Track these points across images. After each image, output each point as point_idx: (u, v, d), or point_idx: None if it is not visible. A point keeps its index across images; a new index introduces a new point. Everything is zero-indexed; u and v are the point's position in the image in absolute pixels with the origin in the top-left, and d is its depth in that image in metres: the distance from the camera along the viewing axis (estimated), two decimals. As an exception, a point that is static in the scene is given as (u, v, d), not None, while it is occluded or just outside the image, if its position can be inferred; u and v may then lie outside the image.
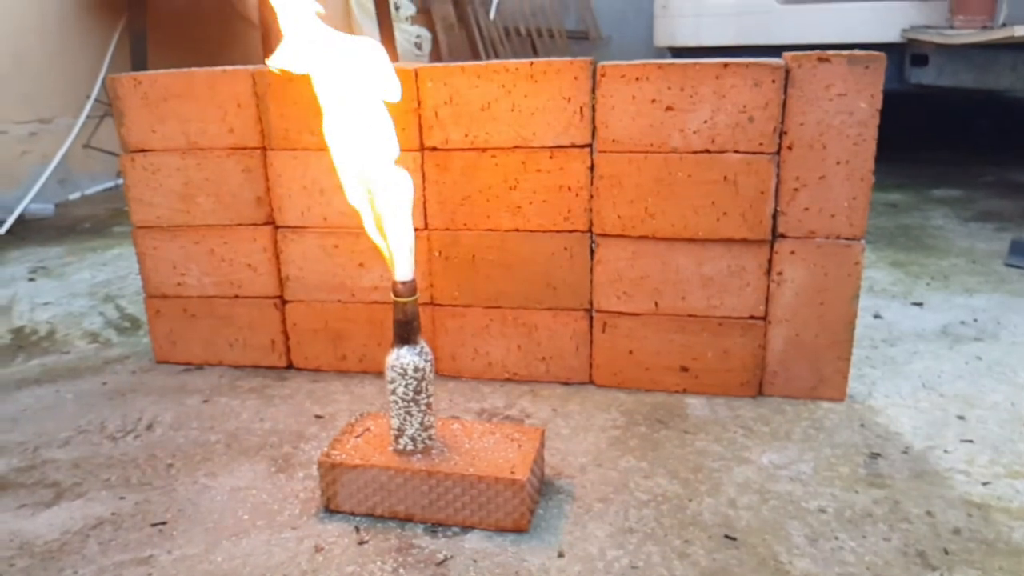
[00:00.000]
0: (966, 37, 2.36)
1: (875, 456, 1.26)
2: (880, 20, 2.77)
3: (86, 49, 3.54)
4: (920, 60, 2.77)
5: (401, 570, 1.03)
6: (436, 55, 5.91)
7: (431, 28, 5.75)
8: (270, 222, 1.56)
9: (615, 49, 6.46)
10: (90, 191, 3.60)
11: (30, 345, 1.89)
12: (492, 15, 6.28)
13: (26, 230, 3.00)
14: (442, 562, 1.04)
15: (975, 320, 1.77)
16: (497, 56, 6.12)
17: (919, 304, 1.88)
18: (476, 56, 6.00)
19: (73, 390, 1.62)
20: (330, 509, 1.15)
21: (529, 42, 6.39)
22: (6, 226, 3.00)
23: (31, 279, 2.39)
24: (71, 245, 2.76)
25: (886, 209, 2.76)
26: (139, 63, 3.46)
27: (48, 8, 3.36)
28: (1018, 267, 2.07)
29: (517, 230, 1.44)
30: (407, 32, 5.18)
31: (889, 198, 2.90)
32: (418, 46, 5.33)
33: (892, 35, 2.77)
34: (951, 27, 2.60)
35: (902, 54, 2.82)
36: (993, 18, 2.49)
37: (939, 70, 2.63)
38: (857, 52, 1.25)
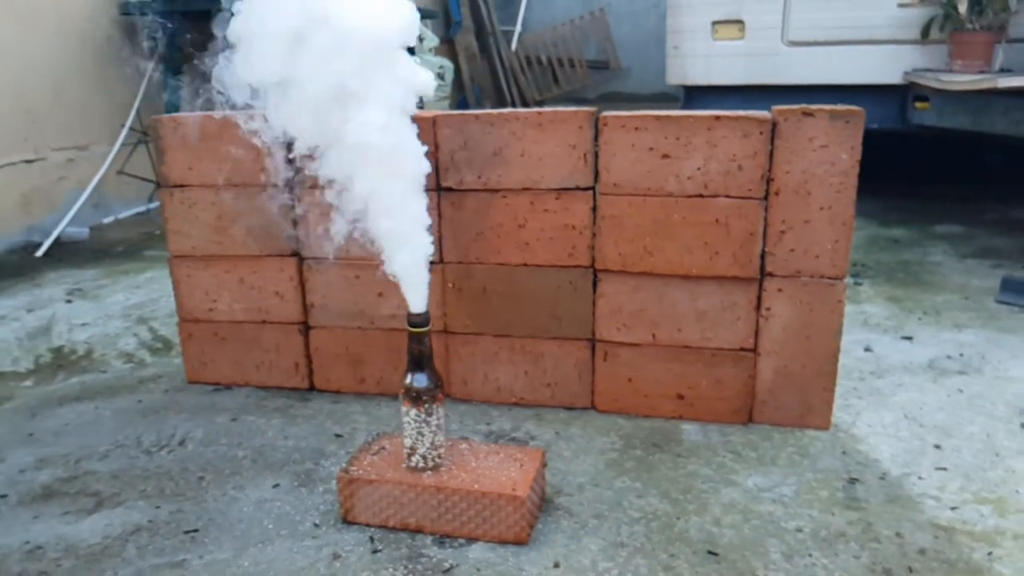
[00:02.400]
0: (958, 85, 2.47)
1: (853, 481, 1.35)
2: (884, 63, 2.88)
3: (122, 81, 3.72)
4: (922, 101, 2.87)
5: (411, 576, 1.14)
6: (459, 85, 6.09)
7: (454, 59, 5.93)
8: (296, 253, 1.69)
9: (635, 79, 6.55)
10: (123, 215, 3.77)
11: (69, 364, 2.02)
12: (514, 46, 6.47)
13: (62, 252, 3.16)
14: (448, 570, 1.15)
15: (961, 355, 1.86)
16: (518, 85, 6.27)
17: (909, 338, 1.97)
18: (498, 86, 6.17)
19: (111, 407, 1.74)
20: (347, 520, 1.26)
21: (550, 72, 6.54)
22: (44, 248, 3.16)
23: (68, 300, 2.53)
24: (106, 268, 2.91)
25: (888, 244, 2.85)
26: (173, 92, 3.65)
27: (87, 42, 3.55)
28: (1009, 304, 2.15)
29: (525, 264, 1.55)
30: (430, 63, 5.36)
31: (892, 233, 2.99)
32: (441, 76, 5.50)
33: (895, 77, 2.88)
34: (950, 71, 2.70)
35: (904, 95, 2.93)
36: (990, 64, 2.60)
37: (939, 112, 2.73)
38: (839, 107, 1.36)
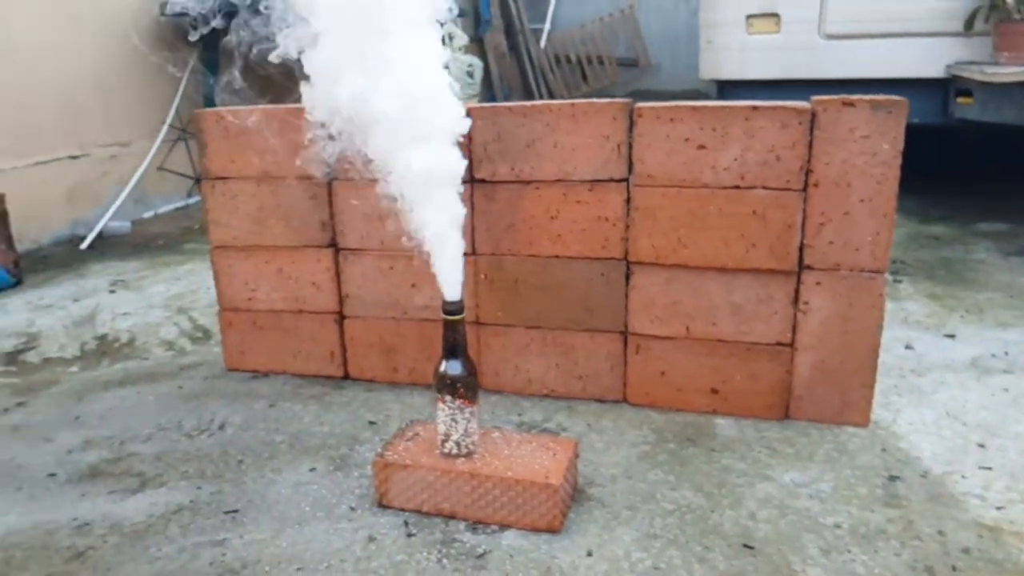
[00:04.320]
0: (1004, 77, 2.40)
1: (893, 479, 1.33)
2: (925, 56, 2.82)
3: (162, 79, 3.81)
4: (965, 95, 2.80)
5: (445, 560, 1.15)
6: (488, 83, 6.10)
7: (483, 57, 5.94)
8: (333, 245, 1.71)
9: (665, 76, 6.52)
10: (162, 210, 3.86)
11: (113, 351, 2.07)
12: (543, 44, 6.46)
13: (105, 246, 3.24)
14: (481, 555, 1.15)
15: (1006, 353, 1.81)
16: (547, 83, 6.27)
17: (951, 336, 1.92)
18: (527, 84, 6.17)
19: (153, 392, 1.79)
20: (382, 504, 1.27)
21: (579, 69, 6.53)
22: (87, 241, 3.24)
23: (112, 291, 2.60)
24: (147, 260, 2.98)
25: (928, 242, 2.79)
26: (210, 90, 3.72)
27: (129, 42, 3.63)
28: (1056, 302, 2.09)
29: (557, 256, 1.56)
30: (460, 61, 5.39)
31: (932, 231, 2.92)
32: (470, 75, 5.52)
33: (937, 71, 2.81)
34: (995, 63, 2.63)
35: (946, 89, 2.86)
36: (1037, 55, 2.53)
37: (983, 106, 2.66)
38: (880, 97, 1.34)
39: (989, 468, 1.35)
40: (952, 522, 1.21)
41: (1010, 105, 2.56)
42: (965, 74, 2.63)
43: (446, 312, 1.22)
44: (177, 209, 3.92)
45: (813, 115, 1.36)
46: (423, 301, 1.67)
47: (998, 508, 1.24)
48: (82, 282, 2.71)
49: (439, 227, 1.16)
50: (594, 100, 1.47)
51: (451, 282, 1.20)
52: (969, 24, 2.67)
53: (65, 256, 3.09)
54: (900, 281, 2.36)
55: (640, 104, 1.44)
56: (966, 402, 1.59)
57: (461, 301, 1.21)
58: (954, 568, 1.11)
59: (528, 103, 1.50)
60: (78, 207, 3.41)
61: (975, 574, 1.09)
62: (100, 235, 3.32)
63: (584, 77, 6.52)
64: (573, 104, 1.46)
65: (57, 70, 3.27)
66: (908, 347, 1.86)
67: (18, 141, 3.12)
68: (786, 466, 1.38)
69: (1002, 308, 2.11)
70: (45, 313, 2.38)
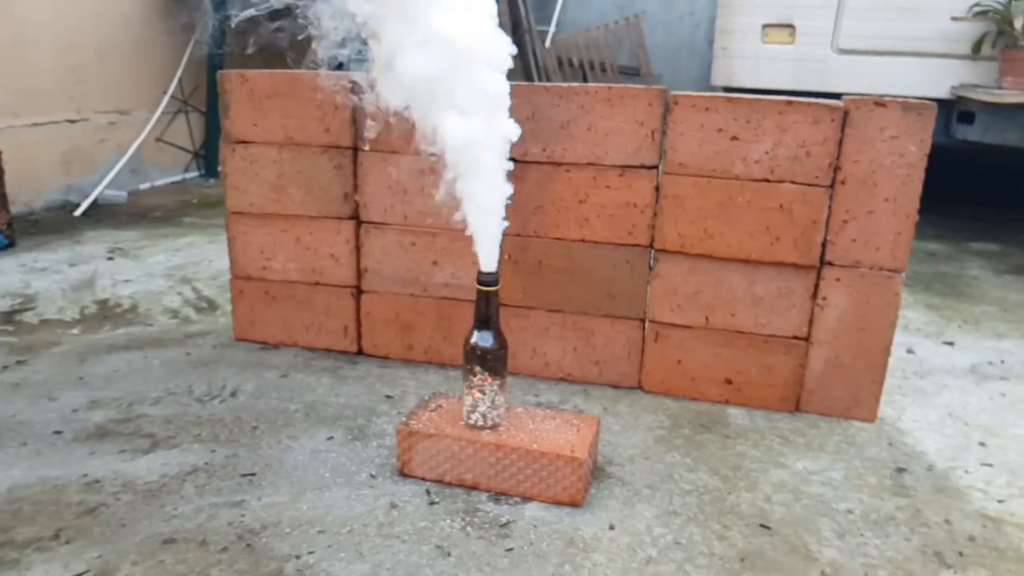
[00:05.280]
0: (1013, 97, 2.47)
1: (901, 470, 1.36)
2: (932, 76, 2.87)
3: (166, 48, 3.76)
4: (967, 117, 2.87)
5: (469, 528, 1.15)
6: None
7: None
8: (355, 217, 1.71)
9: (665, 86, 6.60)
10: (159, 182, 3.81)
11: (115, 316, 2.04)
12: (547, 44, 6.49)
13: (100, 214, 3.20)
14: (505, 524, 1.16)
15: (1002, 361, 1.86)
16: (551, 85, 6.28)
17: (950, 343, 1.97)
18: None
19: (159, 357, 1.77)
20: (404, 473, 1.27)
21: (581, 74, 6.56)
22: (82, 208, 3.19)
23: (110, 258, 2.56)
24: (145, 231, 2.95)
25: (925, 257, 2.85)
26: (215, 64, 3.69)
27: (132, 6, 3.58)
28: (1050, 318, 2.15)
29: (583, 240, 1.57)
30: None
31: (929, 247, 2.99)
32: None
33: (942, 91, 2.87)
34: (999, 88, 2.70)
35: (949, 110, 2.92)
36: (1040, 81, 2.60)
37: (985, 127, 2.73)
38: (911, 100, 1.37)
39: (990, 465, 1.39)
40: (957, 512, 1.24)
41: (1012, 127, 2.63)
42: (971, 95, 2.69)
43: (481, 283, 1.22)
44: (174, 183, 3.87)
45: (845, 113, 1.39)
46: (443, 279, 1.67)
47: (999, 501, 1.28)
48: (78, 248, 2.67)
49: (485, 195, 1.16)
50: (630, 86, 1.48)
51: (489, 252, 1.20)
52: (977, 48, 2.74)
53: (58, 221, 3.04)
54: (899, 291, 2.41)
55: (676, 92, 1.46)
56: (967, 404, 1.63)
57: (497, 272, 1.22)
58: (961, 554, 1.14)
59: (565, 84, 1.51)
60: (73, 173, 3.36)
61: (980, 560, 1.13)
62: (95, 203, 3.28)
63: (585, 82, 6.56)
64: (610, 88, 1.48)
65: (57, 30, 3.21)
66: (910, 351, 1.90)
67: (16, 99, 3.06)
68: (798, 455, 1.40)
69: (997, 320, 2.16)
70: (41, 276, 2.34)
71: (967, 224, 3.40)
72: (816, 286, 1.48)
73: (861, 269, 1.45)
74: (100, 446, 1.38)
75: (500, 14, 6.14)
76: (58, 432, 1.42)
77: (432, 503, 1.21)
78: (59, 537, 1.12)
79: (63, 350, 1.81)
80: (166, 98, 3.77)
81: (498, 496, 1.23)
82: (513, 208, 1.58)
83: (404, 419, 1.29)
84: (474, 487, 1.24)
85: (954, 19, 2.74)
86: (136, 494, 1.24)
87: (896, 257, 1.43)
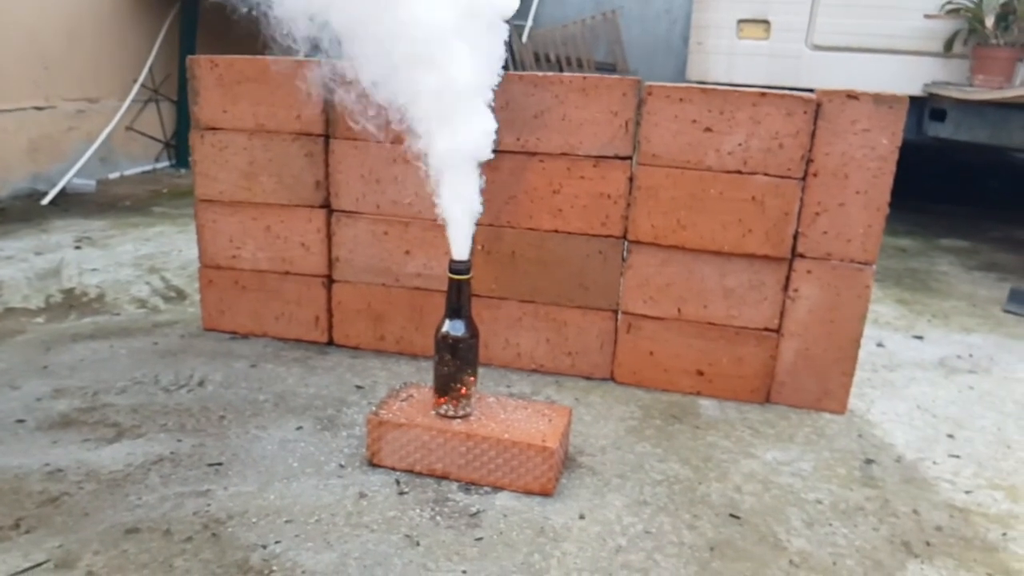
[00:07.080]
0: (983, 94, 2.50)
1: (870, 462, 1.37)
2: (905, 73, 2.91)
3: (137, 36, 3.69)
4: (938, 115, 2.91)
5: (438, 518, 1.14)
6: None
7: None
8: (326, 205, 1.68)
9: (640, 81, 6.62)
10: (129, 172, 3.74)
11: (81, 305, 2.00)
12: (524, 39, 6.48)
13: (68, 203, 3.13)
14: (475, 514, 1.15)
15: (970, 355, 1.89)
16: (527, 80, 6.28)
17: (920, 337, 2.00)
18: (507, 78, 6.17)
19: (126, 347, 1.73)
20: (373, 463, 1.26)
21: (558, 69, 6.56)
22: (50, 197, 3.13)
23: (77, 247, 2.51)
24: (113, 220, 2.89)
25: (895, 252, 2.88)
26: (187, 53, 3.63)
27: (105, -5, 3.51)
28: (1015, 313, 2.19)
29: (556, 231, 1.56)
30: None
31: (899, 243, 3.02)
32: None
33: (914, 89, 2.91)
34: (970, 85, 2.74)
35: (921, 108, 2.96)
36: (1011, 80, 2.64)
37: (956, 124, 2.77)
38: (882, 93, 1.38)
39: (958, 456, 1.41)
40: (925, 503, 1.26)
41: (982, 125, 2.67)
42: (943, 92, 2.73)
43: (453, 271, 1.21)
44: (144, 173, 3.81)
45: (818, 105, 1.40)
46: (416, 269, 1.66)
47: (967, 492, 1.30)
48: (45, 236, 2.61)
49: (458, 183, 1.15)
50: (605, 76, 1.48)
51: (461, 240, 1.19)
52: (949, 45, 2.78)
53: (25, 210, 2.97)
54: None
55: (651, 83, 1.45)
56: (935, 397, 1.65)
57: (469, 260, 1.21)
58: (928, 543, 1.15)
59: (539, 73, 1.51)
60: (40, 161, 3.28)
61: (947, 549, 1.14)
62: (63, 192, 3.21)
63: (562, 76, 6.55)
64: (585, 78, 1.47)
65: (25, 14, 3.14)
66: (879, 345, 1.92)
67: (-19, 84, 2.99)
68: (768, 445, 1.41)
69: (966, 316, 2.19)
70: (6, 264, 2.28)
71: (937, 221, 3.45)
72: (787, 278, 1.49)
73: (832, 261, 1.46)
74: (64, 435, 1.35)
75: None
76: (20, 421, 1.39)
77: (402, 493, 1.20)
78: (19, 527, 1.10)
79: (27, 338, 1.77)
80: (136, 86, 3.70)
81: (468, 486, 1.22)
82: (486, 198, 1.57)
83: (374, 409, 1.27)
84: (444, 477, 1.23)
85: (927, 17, 2.78)
86: (99, 483, 1.21)
87: (867, 249, 1.45)
